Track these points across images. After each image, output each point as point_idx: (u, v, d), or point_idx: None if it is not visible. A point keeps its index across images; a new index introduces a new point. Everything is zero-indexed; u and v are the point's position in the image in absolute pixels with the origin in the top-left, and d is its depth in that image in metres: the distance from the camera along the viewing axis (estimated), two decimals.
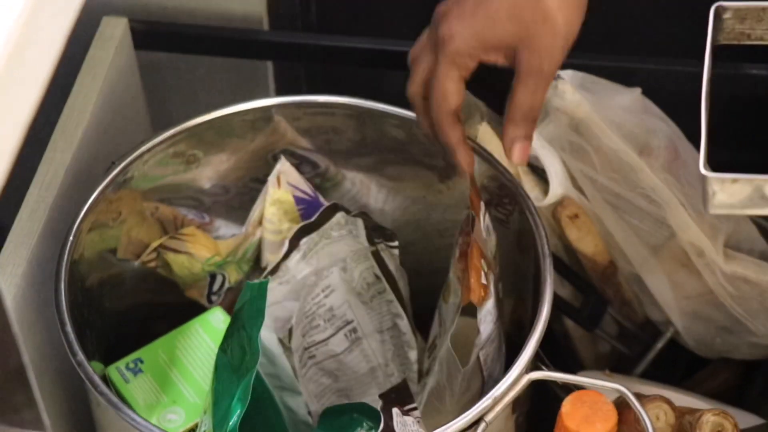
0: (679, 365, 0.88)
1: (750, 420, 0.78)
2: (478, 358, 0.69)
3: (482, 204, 0.71)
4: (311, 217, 0.81)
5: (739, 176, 0.46)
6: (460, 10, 0.65)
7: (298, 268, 0.76)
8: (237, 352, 0.72)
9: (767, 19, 0.52)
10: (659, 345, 0.86)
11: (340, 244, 0.77)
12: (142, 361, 0.76)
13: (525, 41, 0.64)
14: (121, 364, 0.76)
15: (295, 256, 0.76)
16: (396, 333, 0.80)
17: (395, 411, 0.65)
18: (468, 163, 0.70)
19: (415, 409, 0.67)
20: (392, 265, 0.78)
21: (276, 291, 0.76)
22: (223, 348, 0.73)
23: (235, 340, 0.72)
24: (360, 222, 0.76)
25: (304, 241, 0.76)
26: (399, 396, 0.68)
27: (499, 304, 0.71)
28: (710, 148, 0.75)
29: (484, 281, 0.69)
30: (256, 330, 0.70)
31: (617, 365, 0.87)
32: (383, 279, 0.78)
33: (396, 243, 0.77)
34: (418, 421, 0.66)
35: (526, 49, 0.64)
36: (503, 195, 0.75)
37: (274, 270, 0.75)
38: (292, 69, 0.97)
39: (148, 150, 0.76)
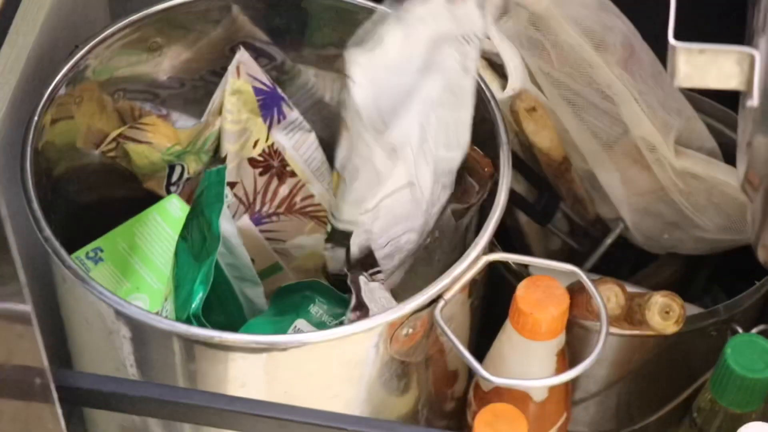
0: (627, 261, 0.91)
1: (694, 312, 0.81)
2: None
3: None
4: (270, 109, 0.82)
5: (706, 46, 0.46)
6: None
7: None
8: (197, 238, 0.73)
9: None
10: (609, 241, 0.88)
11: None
12: (102, 250, 0.77)
13: None
14: (80, 253, 0.76)
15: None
16: None
17: (362, 279, 0.67)
18: None
19: (379, 272, 0.69)
20: None
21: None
22: (183, 235, 0.74)
23: (194, 226, 0.73)
24: None
25: None
26: (365, 263, 0.69)
27: None
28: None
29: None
30: (216, 215, 0.71)
31: (568, 261, 0.89)
32: None
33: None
34: (382, 284, 0.67)
35: None
36: None
37: None
38: None
39: (113, 34, 0.75)
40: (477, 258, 0.66)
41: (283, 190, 0.83)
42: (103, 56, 0.76)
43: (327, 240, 0.72)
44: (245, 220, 0.83)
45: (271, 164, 0.82)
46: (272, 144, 0.82)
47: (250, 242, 0.81)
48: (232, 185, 0.82)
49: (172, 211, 0.79)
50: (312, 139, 0.82)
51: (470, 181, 0.73)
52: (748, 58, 0.47)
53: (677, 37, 0.48)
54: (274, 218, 0.83)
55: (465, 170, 0.74)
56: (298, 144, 0.83)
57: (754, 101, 0.46)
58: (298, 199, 0.83)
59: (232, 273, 0.78)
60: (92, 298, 0.65)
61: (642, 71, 0.80)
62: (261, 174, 0.82)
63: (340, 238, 0.70)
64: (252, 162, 0.82)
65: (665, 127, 0.80)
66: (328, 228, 0.71)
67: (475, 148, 0.74)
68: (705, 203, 0.82)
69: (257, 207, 0.83)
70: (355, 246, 0.70)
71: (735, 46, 0.47)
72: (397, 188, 0.68)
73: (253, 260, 0.79)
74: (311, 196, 0.83)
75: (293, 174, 0.83)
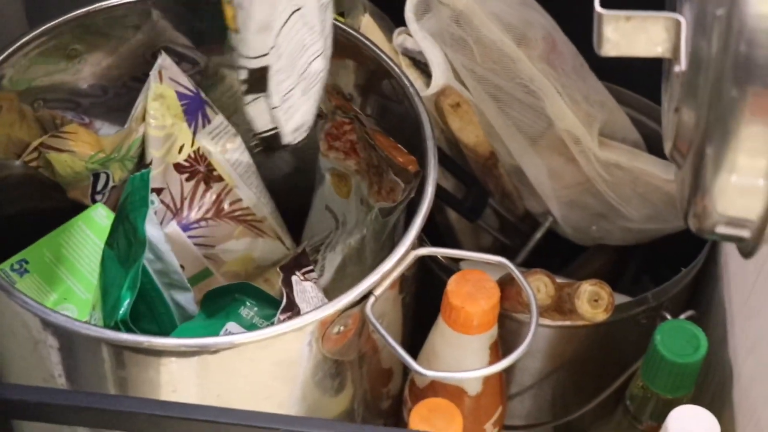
0: (557, 254, 0.91)
1: (624, 300, 0.81)
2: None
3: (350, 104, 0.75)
4: (194, 114, 0.81)
5: (633, 13, 0.46)
6: None
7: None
8: (123, 245, 0.72)
9: None
10: (538, 235, 0.89)
11: None
12: (27, 262, 0.75)
13: None
14: (5, 265, 0.75)
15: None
16: None
17: (294, 278, 0.67)
18: None
19: (312, 271, 0.68)
20: None
21: None
22: (109, 242, 0.73)
23: (120, 232, 0.72)
24: None
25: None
26: (297, 263, 0.69)
27: None
28: None
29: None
30: (141, 220, 0.70)
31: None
32: None
33: None
34: (315, 283, 0.67)
35: None
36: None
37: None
38: None
39: (29, 42, 0.74)
40: (406, 253, 0.66)
41: (211, 195, 0.82)
42: (20, 65, 0.75)
43: (246, 91, 0.67)
44: (173, 226, 0.82)
45: (198, 169, 0.81)
46: (198, 149, 0.81)
47: (179, 248, 0.80)
48: (158, 191, 0.81)
49: (98, 219, 0.78)
50: (238, 143, 0.82)
51: (395, 180, 0.73)
52: (674, 23, 0.47)
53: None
54: (203, 223, 0.83)
55: (390, 168, 0.74)
56: (223, 148, 0.82)
57: (681, 66, 0.47)
58: (225, 203, 0.83)
59: (161, 279, 0.77)
60: (17, 308, 0.63)
61: (564, 65, 0.81)
62: (187, 179, 0.82)
63: (258, 79, 0.66)
64: (178, 167, 0.81)
65: (589, 119, 0.81)
66: (242, 76, 0.66)
67: (399, 146, 0.74)
68: (630, 194, 0.83)
69: (185, 213, 0.82)
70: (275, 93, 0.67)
71: (661, 12, 0.47)
72: (287, 18, 0.65)
73: (182, 266, 0.78)
74: (239, 200, 0.82)
75: (220, 178, 0.82)
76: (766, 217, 0.47)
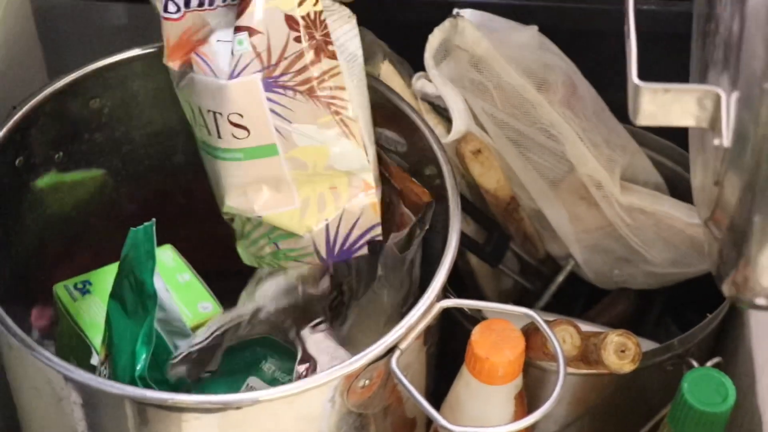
0: (579, 297, 0.91)
1: (648, 346, 0.81)
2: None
3: None
4: None
5: (672, 86, 0.46)
6: None
7: None
8: (130, 298, 0.70)
9: None
10: (560, 278, 0.88)
11: None
12: (90, 283, 0.76)
13: None
14: (69, 282, 0.75)
15: None
16: None
17: (304, 333, 0.66)
18: None
19: (322, 322, 0.67)
20: None
21: None
22: (113, 295, 0.71)
23: (125, 285, 0.70)
24: None
25: None
26: (307, 315, 0.68)
27: None
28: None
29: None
30: (149, 275, 0.67)
31: (520, 300, 0.89)
32: None
33: None
34: (326, 331, 0.66)
35: None
36: None
37: None
38: None
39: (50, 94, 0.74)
40: (431, 305, 0.66)
41: (315, 70, 0.69)
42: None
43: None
44: (254, 78, 0.68)
45: (313, 34, 0.68)
46: (320, 12, 0.68)
47: (248, 105, 0.69)
48: (251, 32, 0.67)
49: (165, 260, 0.77)
50: (352, 25, 0.71)
51: (405, 211, 0.72)
52: (714, 96, 0.46)
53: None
54: (290, 93, 0.69)
55: (399, 199, 0.72)
56: (338, 32, 0.71)
57: (723, 141, 0.46)
58: (327, 85, 0.70)
59: (164, 327, 0.75)
60: (40, 365, 0.63)
61: (584, 109, 0.80)
62: (296, 40, 0.68)
63: None
64: (290, 21, 0.68)
65: (610, 163, 0.81)
66: None
67: (410, 177, 0.73)
68: (653, 237, 0.82)
69: (277, 72, 0.69)
70: None
71: (699, 85, 0.47)
72: None
73: (248, 130, 0.69)
74: (342, 88, 0.70)
75: (334, 56, 0.69)
76: None
